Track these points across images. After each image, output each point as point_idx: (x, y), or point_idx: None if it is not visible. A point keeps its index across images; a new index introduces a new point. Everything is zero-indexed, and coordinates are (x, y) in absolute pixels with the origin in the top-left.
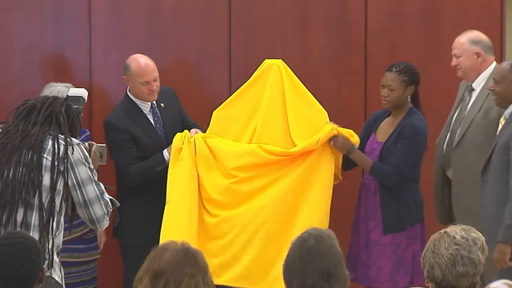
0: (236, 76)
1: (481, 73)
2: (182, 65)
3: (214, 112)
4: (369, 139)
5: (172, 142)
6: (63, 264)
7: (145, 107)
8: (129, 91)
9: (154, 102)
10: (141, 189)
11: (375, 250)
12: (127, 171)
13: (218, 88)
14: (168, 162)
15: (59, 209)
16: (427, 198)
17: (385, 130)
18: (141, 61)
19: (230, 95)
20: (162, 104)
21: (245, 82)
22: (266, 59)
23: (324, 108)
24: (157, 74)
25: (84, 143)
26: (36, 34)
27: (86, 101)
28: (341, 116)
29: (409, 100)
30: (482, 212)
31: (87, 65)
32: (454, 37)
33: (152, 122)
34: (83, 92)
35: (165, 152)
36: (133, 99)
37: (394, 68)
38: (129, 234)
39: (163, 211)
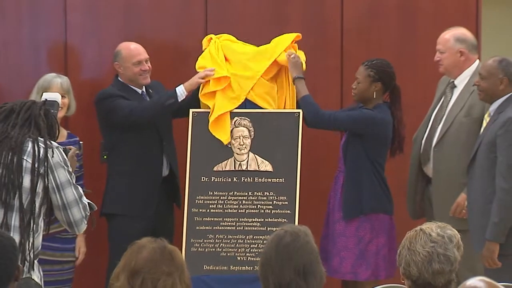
0: None
1: (463, 70)
2: (158, 62)
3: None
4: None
5: (160, 129)
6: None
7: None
8: (120, 78)
9: (145, 90)
10: (134, 159)
11: (340, 241)
12: (131, 112)
13: None
14: (180, 98)
15: (39, 211)
16: (403, 194)
17: None
18: (130, 45)
19: None
20: (150, 90)
21: None
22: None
23: None
24: (148, 56)
25: (64, 147)
26: (11, 31)
27: (60, 106)
28: None
29: (375, 96)
30: (468, 209)
31: (62, 63)
32: (430, 34)
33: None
34: (57, 97)
35: (179, 88)
36: (124, 83)
37: (366, 62)
38: (118, 204)
39: (154, 182)
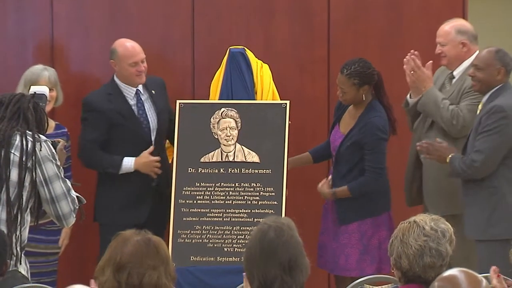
0: (199, 63)
1: (463, 62)
2: (145, 52)
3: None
4: (334, 128)
5: (157, 129)
6: None
7: (130, 92)
8: (115, 76)
9: (140, 89)
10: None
11: (343, 239)
12: (83, 149)
13: (181, 75)
14: (123, 171)
15: (26, 205)
16: (397, 184)
17: (347, 121)
18: (127, 43)
19: (194, 83)
20: (153, 91)
21: (208, 69)
22: (230, 47)
23: (287, 96)
24: (144, 56)
25: (52, 141)
26: None
27: (48, 99)
28: (304, 104)
29: (365, 98)
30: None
31: (49, 54)
32: (417, 25)
33: (134, 107)
34: (45, 90)
35: (126, 161)
36: (119, 83)
37: (345, 70)
38: (108, 214)
39: (144, 193)
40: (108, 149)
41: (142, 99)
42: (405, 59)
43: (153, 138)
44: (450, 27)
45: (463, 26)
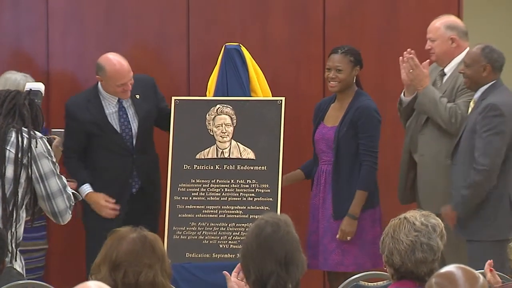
0: (195, 60)
1: (454, 58)
2: (140, 50)
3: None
4: (317, 128)
5: (141, 134)
6: None
7: (112, 100)
8: (100, 85)
9: None
10: (106, 171)
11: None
12: (65, 158)
13: (177, 72)
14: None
15: (21, 201)
16: (391, 182)
17: (333, 115)
18: (115, 63)
19: (189, 80)
20: (137, 96)
21: (203, 66)
22: (226, 44)
23: (283, 92)
24: (132, 73)
25: (48, 137)
26: None
27: (43, 95)
28: (300, 100)
29: (354, 81)
30: (452, 194)
31: (44, 51)
32: (412, 22)
33: (113, 115)
34: (41, 87)
35: (82, 188)
36: (101, 91)
37: (339, 50)
38: (92, 217)
39: (127, 194)
40: (90, 154)
41: (125, 106)
42: (401, 58)
43: (134, 144)
44: (440, 23)
45: (453, 22)
